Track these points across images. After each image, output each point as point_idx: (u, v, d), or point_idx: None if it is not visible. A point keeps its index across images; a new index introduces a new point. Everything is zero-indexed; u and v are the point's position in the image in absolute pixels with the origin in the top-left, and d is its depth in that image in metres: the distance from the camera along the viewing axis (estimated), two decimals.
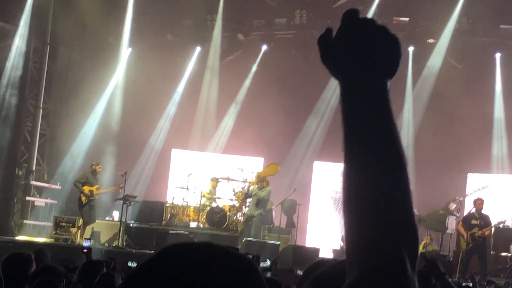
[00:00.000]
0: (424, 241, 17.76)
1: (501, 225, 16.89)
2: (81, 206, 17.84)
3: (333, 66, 1.42)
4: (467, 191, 19.59)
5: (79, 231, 17.77)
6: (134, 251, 16.63)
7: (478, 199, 16.62)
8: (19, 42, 19.90)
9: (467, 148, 19.78)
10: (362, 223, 1.34)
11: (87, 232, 17.91)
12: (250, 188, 17.44)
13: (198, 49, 22.30)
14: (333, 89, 20.88)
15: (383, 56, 1.40)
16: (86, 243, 7.80)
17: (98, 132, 21.44)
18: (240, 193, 18.56)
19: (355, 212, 1.35)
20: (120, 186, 18.11)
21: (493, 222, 16.30)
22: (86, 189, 17.87)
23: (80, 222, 17.91)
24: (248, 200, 17.77)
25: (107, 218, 19.62)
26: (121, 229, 17.64)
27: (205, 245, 1.37)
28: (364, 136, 1.37)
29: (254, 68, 22.13)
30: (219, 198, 19.32)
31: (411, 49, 20.46)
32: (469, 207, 17.34)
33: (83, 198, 17.78)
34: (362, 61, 1.39)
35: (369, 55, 1.40)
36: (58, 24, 20.52)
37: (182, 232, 17.48)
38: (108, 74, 21.71)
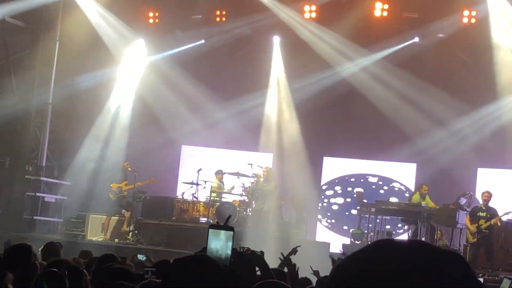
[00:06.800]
0: (435, 236, 17.70)
1: (504, 217, 16.70)
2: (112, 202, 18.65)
3: None
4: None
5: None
6: (144, 246, 16.67)
7: (486, 192, 16.63)
8: (28, 38, 19.98)
9: (477, 143, 19.68)
10: None
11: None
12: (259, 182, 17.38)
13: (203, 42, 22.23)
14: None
15: None
16: None
17: (109, 128, 21.40)
18: (250, 189, 18.56)
19: None
20: (151, 179, 18.38)
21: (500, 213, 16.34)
22: (113, 186, 18.20)
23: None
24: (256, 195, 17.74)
25: (117, 214, 19.66)
26: (132, 225, 17.71)
27: None
28: None
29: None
30: (227, 192, 19.35)
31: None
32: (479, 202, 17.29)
33: (111, 196, 18.24)
34: None
35: None
36: (67, 23, 20.60)
37: (192, 227, 17.50)
38: (116, 70, 21.70)
